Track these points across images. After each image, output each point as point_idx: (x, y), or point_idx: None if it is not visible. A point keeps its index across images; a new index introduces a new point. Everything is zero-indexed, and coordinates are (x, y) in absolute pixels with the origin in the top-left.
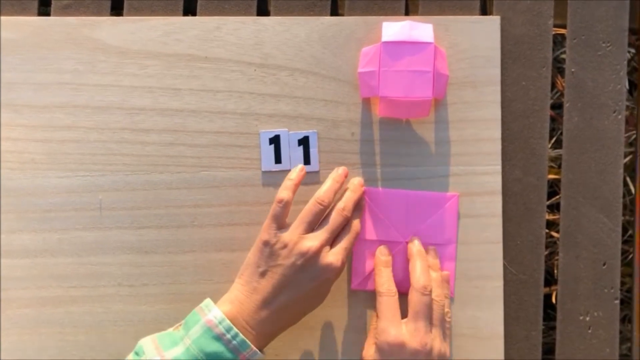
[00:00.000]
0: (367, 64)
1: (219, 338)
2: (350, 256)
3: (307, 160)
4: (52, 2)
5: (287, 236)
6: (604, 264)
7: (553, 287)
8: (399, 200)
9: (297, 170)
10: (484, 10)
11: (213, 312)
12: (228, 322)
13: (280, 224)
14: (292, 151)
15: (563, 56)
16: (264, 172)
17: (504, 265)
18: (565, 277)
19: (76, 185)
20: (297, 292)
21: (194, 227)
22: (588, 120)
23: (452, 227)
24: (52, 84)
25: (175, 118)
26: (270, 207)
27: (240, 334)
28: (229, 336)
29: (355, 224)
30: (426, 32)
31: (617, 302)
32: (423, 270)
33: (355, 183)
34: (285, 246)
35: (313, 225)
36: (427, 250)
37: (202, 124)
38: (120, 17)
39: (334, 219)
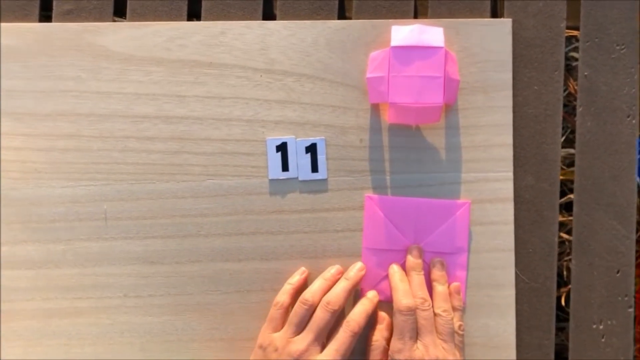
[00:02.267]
0: (376, 69)
1: None
2: None
3: (314, 168)
4: (54, 7)
5: (278, 340)
6: (618, 272)
7: (562, 290)
8: (409, 208)
9: (298, 274)
10: (495, 13)
11: None
12: None
13: (276, 327)
14: (299, 159)
15: (572, 54)
16: (271, 180)
17: (516, 273)
18: (579, 285)
19: (80, 195)
20: None
21: (200, 237)
22: (601, 125)
23: (464, 235)
24: (54, 92)
25: (180, 125)
26: (277, 216)
27: None
28: None
29: (352, 321)
30: (436, 36)
31: (632, 310)
32: (420, 284)
33: (355, 270)
34: (276, 350)
35: (301, 326)
36: (433, 263)
37: (208, 132)
38: (123, 23)
39: (319, 316)
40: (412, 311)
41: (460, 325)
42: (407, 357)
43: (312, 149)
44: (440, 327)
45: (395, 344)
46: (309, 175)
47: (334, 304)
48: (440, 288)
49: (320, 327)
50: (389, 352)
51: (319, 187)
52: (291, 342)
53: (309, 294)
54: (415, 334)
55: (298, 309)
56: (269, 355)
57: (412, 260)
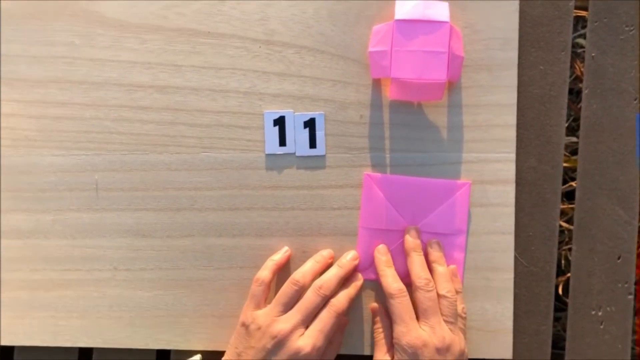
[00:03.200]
0: (379, 43)
1: None
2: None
3: (312, 144)
4: None
5: (262, 318)
6: (619, 258)
7: (560, 279)
8: (408, 187)
9: (281, 252)
10: None
11: None
12: None
13: (258, 304)
14: (297, 133)
15: (578, 40)
16: (268, 155)
17: (515, 256)
18: (578, 270)
19: (71, 165)
20: None
21: (194, 211)
22: (607, 108)
23: (463, 216)
24: (47, 58)
25: (175, 96)
26: (272, 192)
27: None
28: None
29: (337, 302)
30: (442, 11)
31: (631, 297)
32: (422, 265)
33: (348, 258)
34: (259, 328)
35: (289, 306)
36: (430, 244)
37: (204, 103)
38: None
39: (309, 298)
40: (404, 292)
41: (463, 308)
42: (414, 338)
43: (310, 124)
44: (445, 308)
45: (398, 328)
46: (306, 150)
47: (325, 289)
48: (440, 269)
49: (308, 310)
50: (394, 340)
51: (317, 163)
52: (276, 320)
53: (300, 275)
54: (415, 314)
55: (287, 289)
56: (252, 334)
57: (411, 240)
